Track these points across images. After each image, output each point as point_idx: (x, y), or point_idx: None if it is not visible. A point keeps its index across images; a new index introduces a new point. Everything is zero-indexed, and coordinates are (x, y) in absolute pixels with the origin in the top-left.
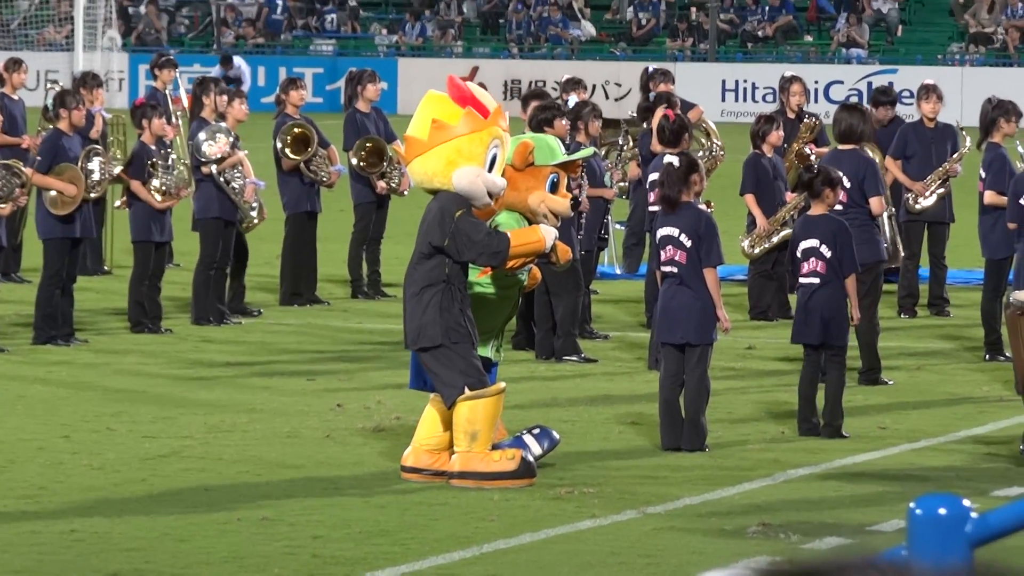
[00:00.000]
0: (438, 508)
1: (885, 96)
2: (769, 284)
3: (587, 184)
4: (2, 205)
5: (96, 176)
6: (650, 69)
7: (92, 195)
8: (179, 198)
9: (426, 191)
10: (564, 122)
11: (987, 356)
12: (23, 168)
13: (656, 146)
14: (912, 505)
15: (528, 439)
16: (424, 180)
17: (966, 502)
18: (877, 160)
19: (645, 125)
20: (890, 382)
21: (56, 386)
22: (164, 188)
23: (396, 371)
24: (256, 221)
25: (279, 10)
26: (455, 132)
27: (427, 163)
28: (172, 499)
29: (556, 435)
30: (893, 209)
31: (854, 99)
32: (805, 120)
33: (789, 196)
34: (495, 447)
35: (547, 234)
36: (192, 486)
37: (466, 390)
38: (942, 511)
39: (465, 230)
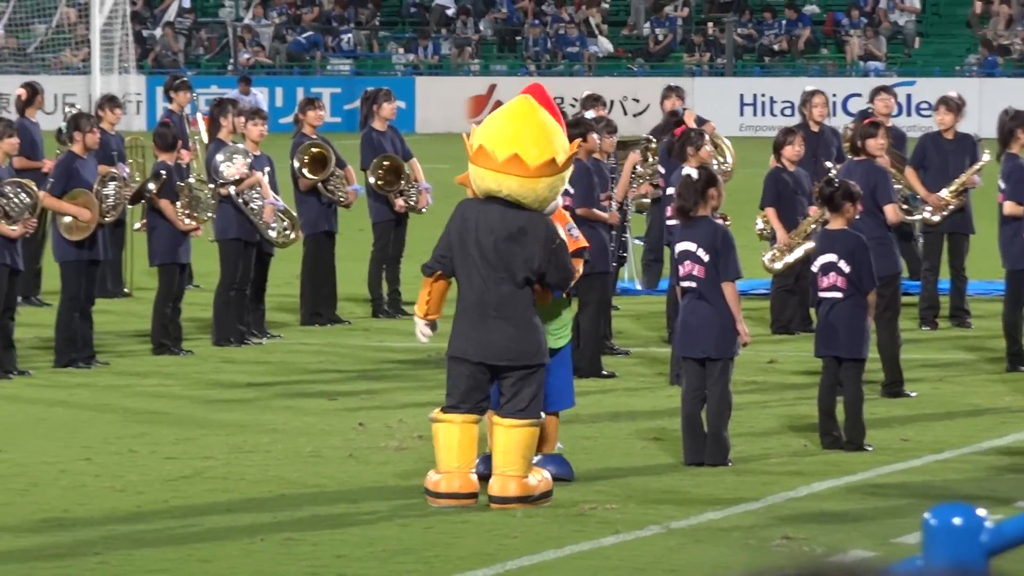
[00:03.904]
0: (461, 526)
1: (884, 89)
2: (791, 298)
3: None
4: (12, 227)
5: (111, 201)
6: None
7: (107, 219)
8: (203, 220)
9: (487, 195)
10: (595, 136)
11: (1008, 367)
12: (34, 188)
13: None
14: (927, 515)
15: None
16: (520, 196)
17: (980, 512)
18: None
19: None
20: (913, 394)
21: (77, 408)
22: (187, 211)
23: (418, 390)
24: (292, 237)
25: (296, 32)
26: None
27: (536, 188)
28: (195, 520)
29: (571, 471)
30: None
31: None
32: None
33: (812, 210)
34: None
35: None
36: (215, 507)
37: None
38: (957, 521)
39: (563, 260)
